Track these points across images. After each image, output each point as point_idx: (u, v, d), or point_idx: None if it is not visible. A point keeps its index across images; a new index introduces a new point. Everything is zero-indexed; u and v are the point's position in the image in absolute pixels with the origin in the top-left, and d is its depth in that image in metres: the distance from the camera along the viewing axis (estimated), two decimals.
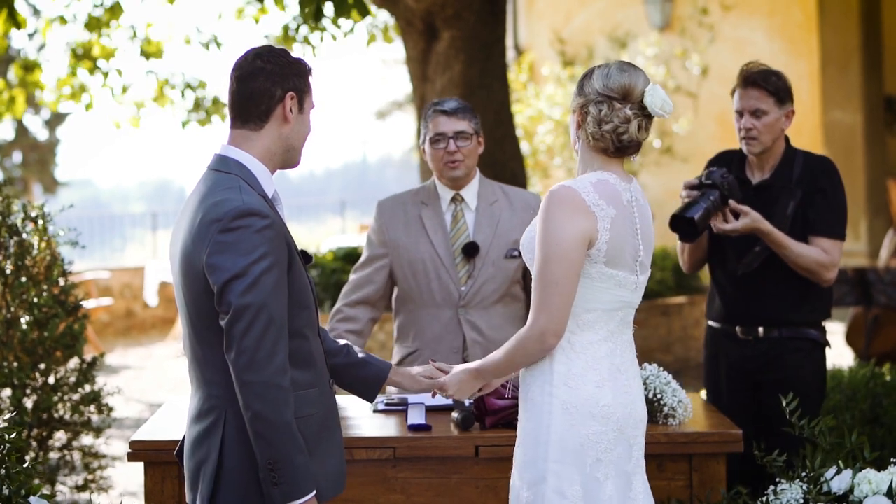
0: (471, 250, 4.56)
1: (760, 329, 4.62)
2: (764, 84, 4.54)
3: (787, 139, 4.68)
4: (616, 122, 3.23)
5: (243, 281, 2.94)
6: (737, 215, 4.51)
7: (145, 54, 10.56)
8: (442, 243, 4.58)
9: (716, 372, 4.78)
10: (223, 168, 3.13)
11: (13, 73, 10.82)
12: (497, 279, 4.58)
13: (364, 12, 6.70)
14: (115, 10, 9.63)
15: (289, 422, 2.96)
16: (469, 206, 4.63)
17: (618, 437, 3.25)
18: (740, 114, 4.60)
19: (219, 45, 10.84)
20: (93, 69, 10.33)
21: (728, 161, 4.76)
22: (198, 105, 11.33)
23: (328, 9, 7.36)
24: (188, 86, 11.27)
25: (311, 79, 3.21)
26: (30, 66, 10.65)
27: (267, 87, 3.12)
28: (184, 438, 3.32)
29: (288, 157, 3.20)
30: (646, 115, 3.26)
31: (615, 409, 3.24)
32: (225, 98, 11.49)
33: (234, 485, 3.05)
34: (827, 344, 4.68)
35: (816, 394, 4.61)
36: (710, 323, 4.80)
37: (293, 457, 2.97)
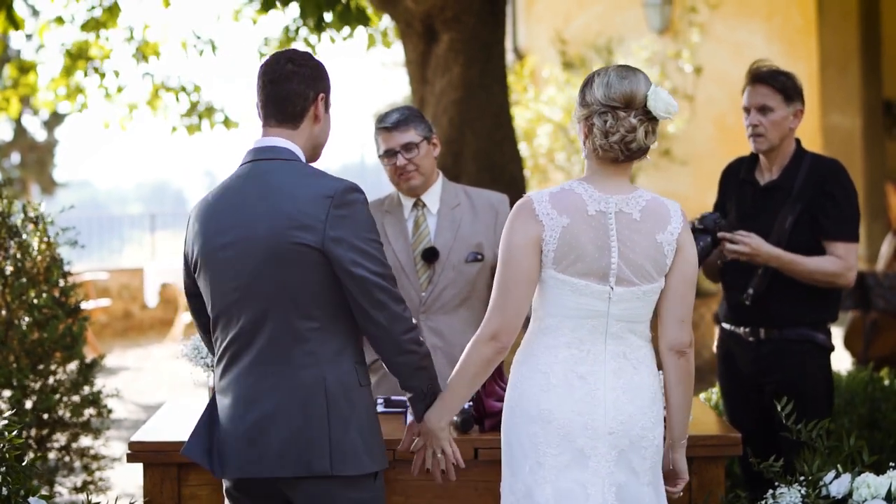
0: (430, 255, 4.55)
1: (762, 331, 4.62)
2: (771, 81, 4.55)
3: (798, 141, 4.68)
4: (622, 131, 3.25)
5: (370, 252, 3.24)
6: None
7: (142, 56, 10.55)
8: (403, 250, 4.58)
9: (725, 373, 4.79)
10: (282, 156, 3.32)
11: (8, 73, 10.80)
12: (458, 283, 4.57)
13: (366, 21, 6.71)
14: (113, 11, 9.63)
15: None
16: (430, 210, 4.62)
17: (563, 444, 3.26)
18: (748, 111, 4.60)
19: (214, 48, 10.82)
20: (87, 70, 10.31)
21: (740, 165, 4.78)
22: (192, 109, 11.32)
23: (329, 16, 7.37)
24: (183, 89, 11.25)
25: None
26: (25, 68, 10.64)
27: (301, 90, 3.33)
28: (195, 435, 3.37)
29: (314, 154, 3.43)
30: (650, 119, 3.27)
31: (559, 414, 3.26)
32: (219, 104, 11.54)
33: (352, 441, 3.26)
34: (832, 347, 4.67)
35: (821, 397, 4.58)
36: (723, 324, 4.81)
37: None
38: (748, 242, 4.49)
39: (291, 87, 3.32)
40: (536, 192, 3.32)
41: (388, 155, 4.53)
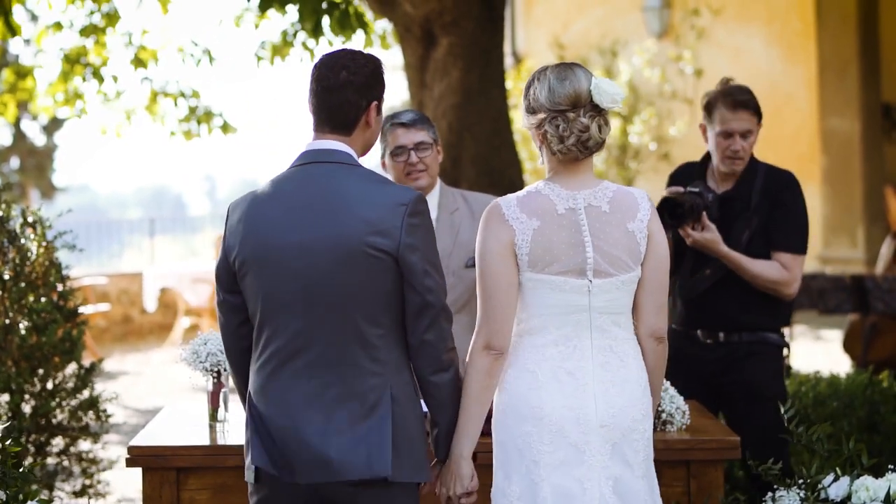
0: None
1: (721, 334, 4.63)
2: (751, 106, 4.56)
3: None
4: (577, 132, 3.27)
5: (437, 265, 3.25)
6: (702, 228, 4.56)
7: (140, 62, 10.55)
8: None
9: (677, 375, 4.78)
10: (343, 160, 3.27)
11: (4, 77, 10.80)
12: (457, 289, 4.55)
13: (364, 27, 6.71)
14: (112, 17, 9.63)
15: None
16: (430, 216, 4.60)
17: (556, 441, 3.26)
18: (727, 135, 4.55)
19: (211, 59, 10.81)
20: (84, 75, 10.31)
21: (689, 174, 4.74)
22: (191, 114, 11.31)
23: (327, 21, 7.37)
24: (182, 94, 11.25)
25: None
26: (23, 73, 10.63)
27: (355, 100, 3.27)
28: (255, 440, 3.23)
29: (361, 155, 3.37)
30: (600, 112, 3.29)
31: (551, 411, 3.26)
32: (217, 109, 11.53)
33: (411, 449, 3.23)
34: (787, 346, 4.73)
35: (780, 395, 4.58)
36: (672, 326, 4.77)
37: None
38: (713, 229, 4.52)
39: (346, 97, 3.25)
40: (504, 198, 3.34)
41: (399, 152, 4.50)
